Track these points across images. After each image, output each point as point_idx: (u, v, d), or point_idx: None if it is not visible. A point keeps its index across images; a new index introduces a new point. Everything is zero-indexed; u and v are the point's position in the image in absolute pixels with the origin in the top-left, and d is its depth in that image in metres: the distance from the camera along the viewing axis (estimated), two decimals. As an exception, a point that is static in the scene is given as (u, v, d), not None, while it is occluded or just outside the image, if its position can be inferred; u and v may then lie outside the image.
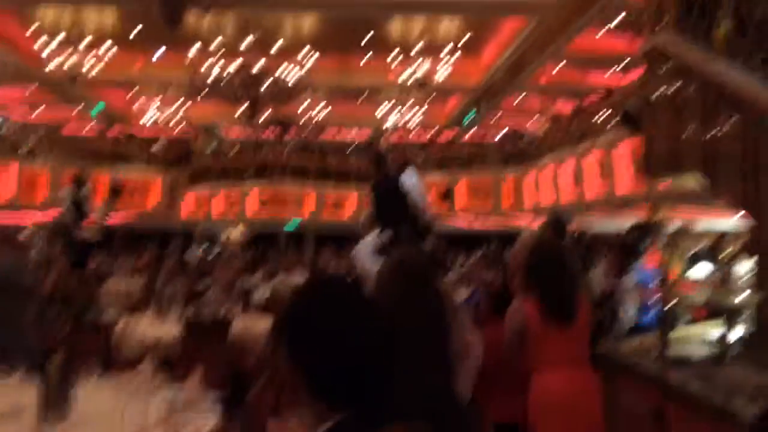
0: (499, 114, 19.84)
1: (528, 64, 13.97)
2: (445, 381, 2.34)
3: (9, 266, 4.76)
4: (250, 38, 12.09)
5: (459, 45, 13.24)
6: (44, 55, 12.37)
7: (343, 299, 1.24)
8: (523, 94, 17.57)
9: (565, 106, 16.62)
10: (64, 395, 2.71)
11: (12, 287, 4.71)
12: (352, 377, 1.17)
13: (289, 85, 12.08)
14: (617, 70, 14.01)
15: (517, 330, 3.11)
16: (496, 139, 17.92)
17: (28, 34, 13.11)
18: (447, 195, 15.93)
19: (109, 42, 12.46)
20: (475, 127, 20.53)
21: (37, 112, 20.36)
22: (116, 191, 15.60)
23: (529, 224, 17.64)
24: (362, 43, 13.91)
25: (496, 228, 20.31)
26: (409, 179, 5.17)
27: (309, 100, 15.41)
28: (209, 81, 11.34)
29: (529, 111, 18.65)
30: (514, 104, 18.40)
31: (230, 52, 11.10)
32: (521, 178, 15.63)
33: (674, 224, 7.07)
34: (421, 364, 2.20)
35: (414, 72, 13.31)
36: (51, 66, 12.45)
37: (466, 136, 20.37)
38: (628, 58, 12.61)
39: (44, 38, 12.28)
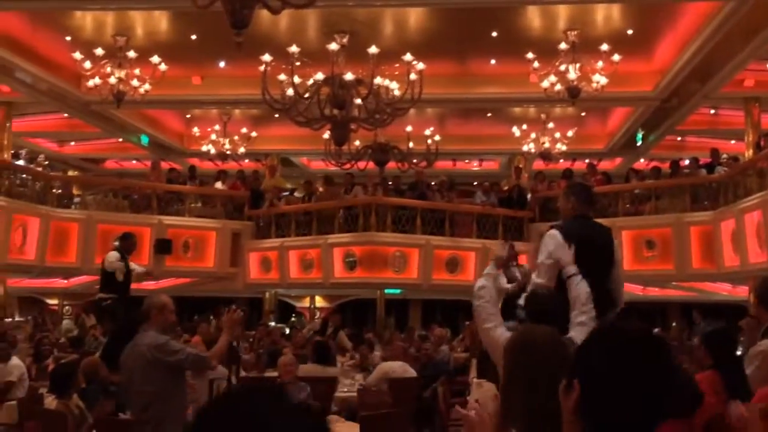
0: (681, 136, 19.37)
1: (722, 64, 13.57)
2: None
3: None
4: (338, 41, 12.47)
5: (622, 41, 13.07)
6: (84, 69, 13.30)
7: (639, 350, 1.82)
8: (716, 106, 17.06)
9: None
10: None
11: None
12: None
13: (390, 101, 12.30)
14: None
15: None
16: (678, 171, 17.34)
17: (62, 46, 14.22)
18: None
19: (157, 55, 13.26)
20: (647, 154, 20.10)
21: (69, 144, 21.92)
22: (164, 246, 16.43)
23: (732, 292, 16.92)
24: (486, 43, 14.03)
25: (681, 296, 19.71)
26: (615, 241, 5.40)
27: (415, 121, 15.64)
28: (285, 98, 11.76)
29: (726, 130, 18.04)
30: (703, 121, 17.87)
31: (313, 60, 11.52)
32: (716, 226, 15.00)
33: None
34: None
35: (559, 79, 13.22)
36: (91, 84, 13.39)
37: (635, 166, 19.95)
38: None
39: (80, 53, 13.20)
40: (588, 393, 1.82)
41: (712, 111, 17.65)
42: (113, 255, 10.68)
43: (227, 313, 5.74)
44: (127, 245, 10.57)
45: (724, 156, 17.01)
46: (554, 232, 5.08)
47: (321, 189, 18.60)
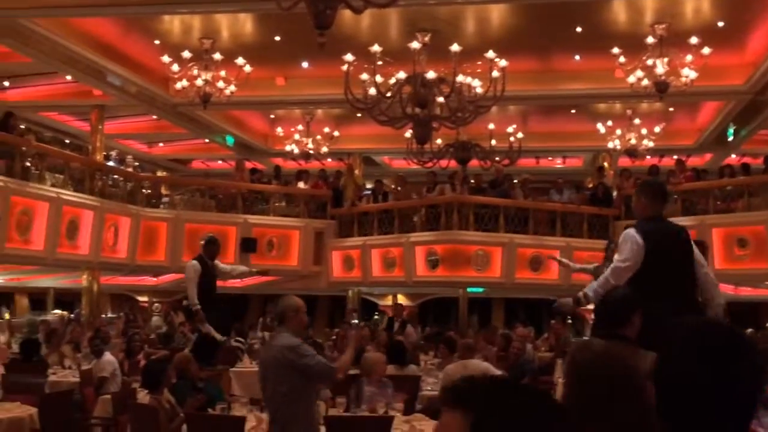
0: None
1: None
2: None
3: None
4: (420, 39, 12.47)
5: (712, 33, 12.72)
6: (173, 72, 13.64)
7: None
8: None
9: None
10: None
11: None
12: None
13: (473, 98, 12.24)
14: None
15: None
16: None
17: (151, 50, 14.62)
18: (699, 247, 15.07)
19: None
20: (739, 149, 19.53)
21: (159, 146, 22.49)
22: (249, 245, 16.71)
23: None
24: (570, 38, 13.85)
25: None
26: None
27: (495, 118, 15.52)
28: (367, 97, 11.82)
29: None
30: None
31: (395, 59, 11.56)
32: (813, 223, 14.47)
33: None
34: None
35: (646, 74, 12.94)
36: (178, 86, 13.73)
37: (726, 161, 19.41)
38: None
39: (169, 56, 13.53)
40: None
41: (808, 104, 17.04)
42: (191, 269, 10.46)
43: (354, 329, 5.89)
44: (211, 252, 10.60)
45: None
46: (632, 231, 5.07)
47: (395, 187, 18.68)
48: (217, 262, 10.66)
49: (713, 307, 5.13)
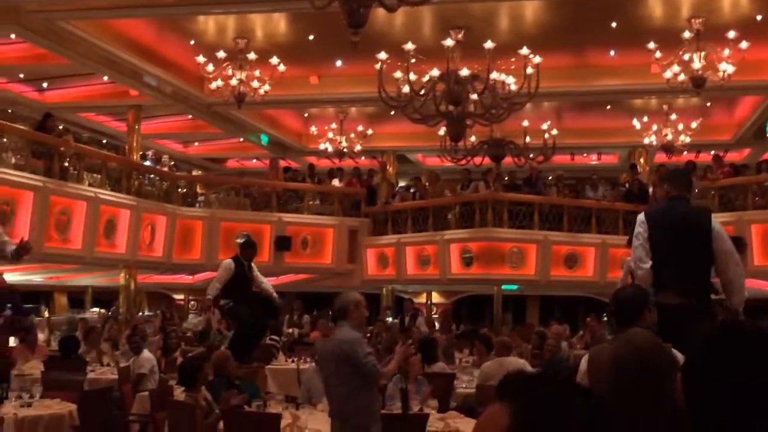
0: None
1: None
2: None
3: None
4: (454, 36, 12.43)
5: (750, 27, 12.55)
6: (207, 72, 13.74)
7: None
8: None
9: None
10: None
11: None
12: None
13: (506, 95, 12.18)
14: None
15: None
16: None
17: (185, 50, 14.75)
18: (736, 244, 14.86)
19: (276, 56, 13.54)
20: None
21: (194, 145, 22.67)
22: (284, 243, 16.80)
23: None
24: (605, 34, 13.73)
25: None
26: (717, 225, 5.30)
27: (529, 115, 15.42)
28: (400, 95, 11.81)
29: None
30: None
31: (428, 57, 11.53)
32: None
33: None
34: None
35: (682, 69, 12.79)
36: (213, 86, 13.83)
37: (765, 157, 19.14)
38: None
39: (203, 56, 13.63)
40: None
41: None
42: (223, 268, 10.53)
43: (401, 346, 5.96)
44: (247, 254, 10.69)
45: None
46: (640, 215, 5.25)
47: (423, 182, 18.68)
48: (254, 266, 10.73)
49: (733, 304, 5.15)
